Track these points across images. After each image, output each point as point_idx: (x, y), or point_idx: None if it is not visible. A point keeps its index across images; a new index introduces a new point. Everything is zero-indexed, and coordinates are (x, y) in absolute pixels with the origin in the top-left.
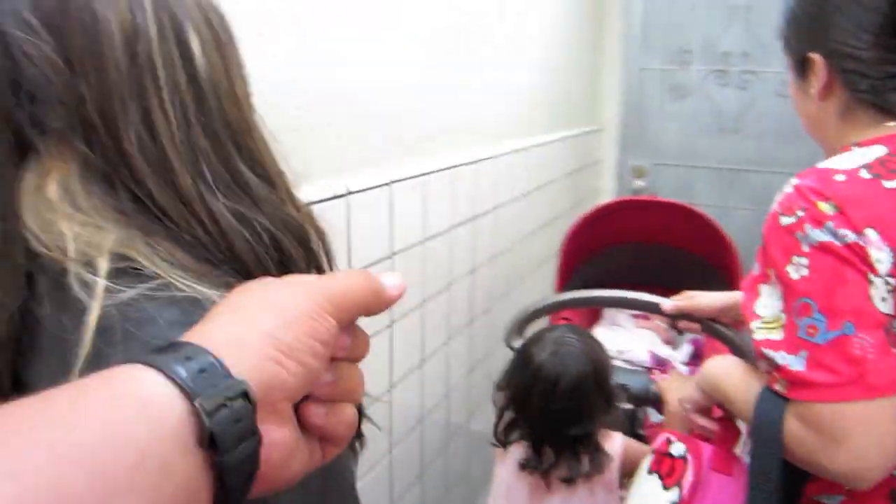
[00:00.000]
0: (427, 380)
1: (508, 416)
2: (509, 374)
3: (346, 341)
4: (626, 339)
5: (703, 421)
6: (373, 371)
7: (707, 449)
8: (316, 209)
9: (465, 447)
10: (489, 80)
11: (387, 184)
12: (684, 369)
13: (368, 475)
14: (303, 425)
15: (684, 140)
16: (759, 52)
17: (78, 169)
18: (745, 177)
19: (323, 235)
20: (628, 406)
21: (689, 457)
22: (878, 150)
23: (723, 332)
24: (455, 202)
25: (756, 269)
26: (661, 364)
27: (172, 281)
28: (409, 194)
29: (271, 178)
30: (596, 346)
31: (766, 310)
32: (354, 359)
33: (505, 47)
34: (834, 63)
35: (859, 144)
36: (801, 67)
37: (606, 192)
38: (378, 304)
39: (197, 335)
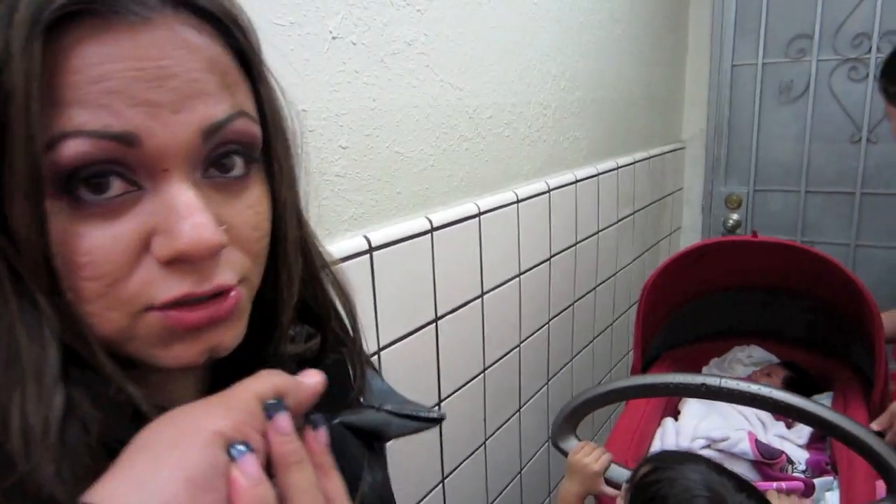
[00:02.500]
0: None
1: None
2: None
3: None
4: (724, 420)
5: None
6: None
7: None
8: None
9: None
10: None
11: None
12: (803, 456)
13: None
14: None
15: (796, 156)
16: None
17: None
18: (885, 203)
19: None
20: None
21: None
22: None
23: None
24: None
25: None
26: (770, 457)
27: None
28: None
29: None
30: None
31: None
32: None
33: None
34: None
35: None
36: None
37: (689, 231)
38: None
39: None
